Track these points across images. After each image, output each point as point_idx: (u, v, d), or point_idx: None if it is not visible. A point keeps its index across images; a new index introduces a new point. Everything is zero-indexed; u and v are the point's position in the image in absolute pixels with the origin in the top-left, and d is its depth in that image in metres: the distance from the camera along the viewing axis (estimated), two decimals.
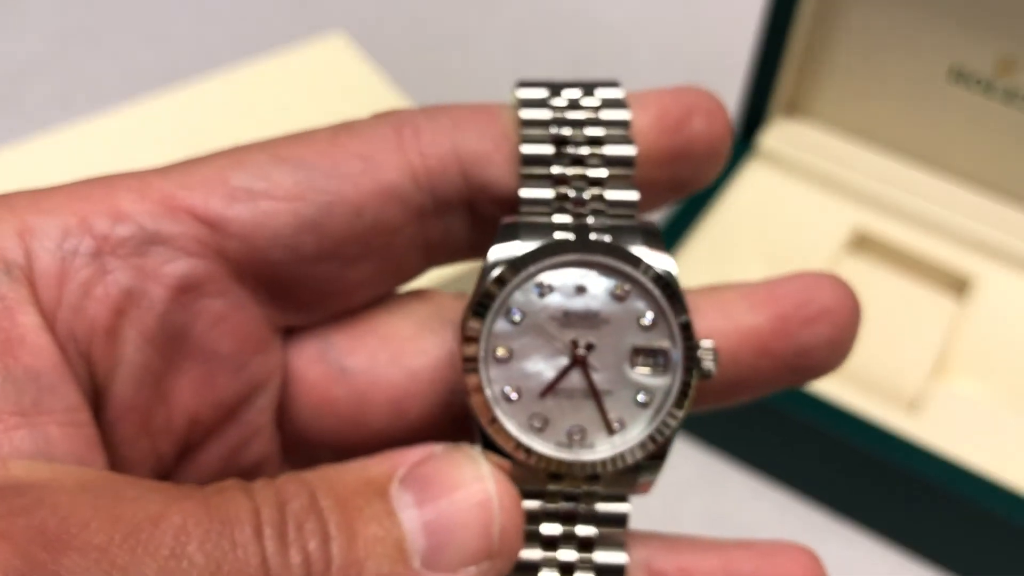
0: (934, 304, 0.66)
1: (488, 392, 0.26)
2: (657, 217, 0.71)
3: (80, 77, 0.81)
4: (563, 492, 0.26)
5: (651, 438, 0.26)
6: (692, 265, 0.65)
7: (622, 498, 0.27)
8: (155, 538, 0.20)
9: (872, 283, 0.67)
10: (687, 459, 0.63)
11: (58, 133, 0.57)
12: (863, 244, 0.68)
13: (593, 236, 0.26)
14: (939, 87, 0.65)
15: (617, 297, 0.26)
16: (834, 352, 0.28)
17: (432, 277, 0.30)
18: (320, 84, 0.62)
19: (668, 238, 0.65)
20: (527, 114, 0.27)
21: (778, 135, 0.71)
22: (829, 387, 0.58)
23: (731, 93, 0.74)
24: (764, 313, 0.27)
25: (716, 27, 0.89)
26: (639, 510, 0.60)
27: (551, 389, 0.26)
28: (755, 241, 0.67)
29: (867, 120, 0.70)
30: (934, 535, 0.58)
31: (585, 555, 0.26)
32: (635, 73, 0.86)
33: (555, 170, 0.27)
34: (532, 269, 0.26)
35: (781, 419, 0.57)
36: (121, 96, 0.75)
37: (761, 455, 0.62)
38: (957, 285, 0.66)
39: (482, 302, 0.26)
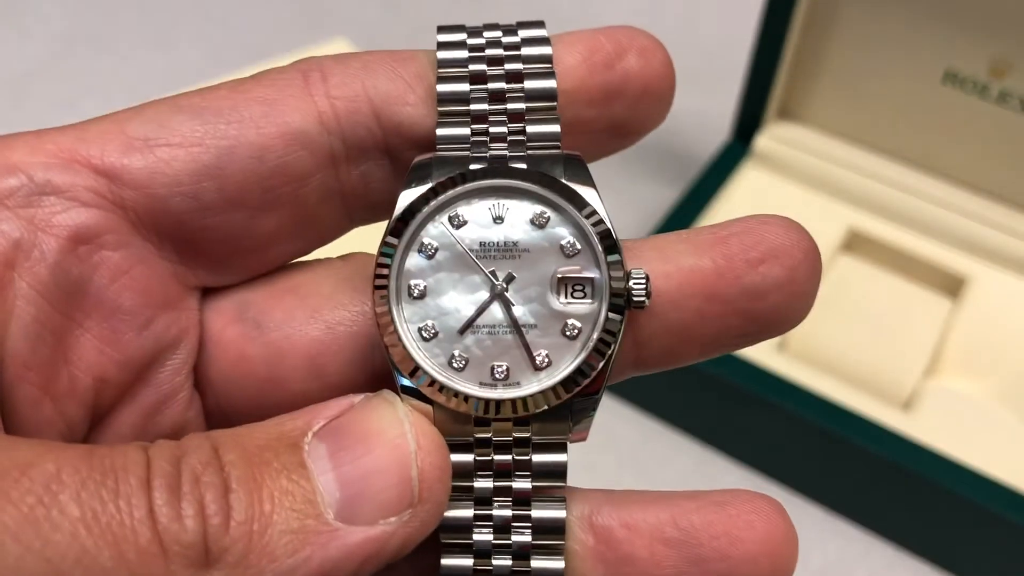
0: (928, 304, 0.66)
1: (403, 332, 0.24)
2: (654, 211, 0.72)
3: (86, 81, 0.82)
4: (495, 443, 0.25)
5: (580, 371, 0.24)
6: None
7: (560, 448, 0.25)
8: (20, 484, 0.18)
9: (867, 283, 0.67)
10: (683, 454, 0.64)
11: None
12: (858, 245, 0.69)
13: (512, 166, 0.25)
14: (933, 90, 0.66)
15: (537, 225, 0.25)
16: (791, 295, 0.25)
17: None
18: None
19: None
20: (444, 54, 0.26)
21: (774, 137, 0.72)
22: (825, 384, 0.58)
23: (728, 96, 0.75)
24: (708, 254, 0.25)
25: (712, 31, 0.90)
26: None
27: (470, 326, 0.25)
28: None
29: (862, 122, 0.70)
30: (928, 531, 0.59)
31: (521, 511, 0.25)
32: None
33: (473, 107, 0.25)
34: (443, 198, 0.25)
35: (777, 415, 0.58)
36: (127, 100, 0.75)
37: (757, 451, 0.63)
38: (951, 285, 0.67)
39: (391, 236, 0.25)
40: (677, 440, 0.64)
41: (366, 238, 0.28)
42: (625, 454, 0.64)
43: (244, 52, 0.86)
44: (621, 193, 0.76)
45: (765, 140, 0.71)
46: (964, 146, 0.68)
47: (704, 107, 0.79)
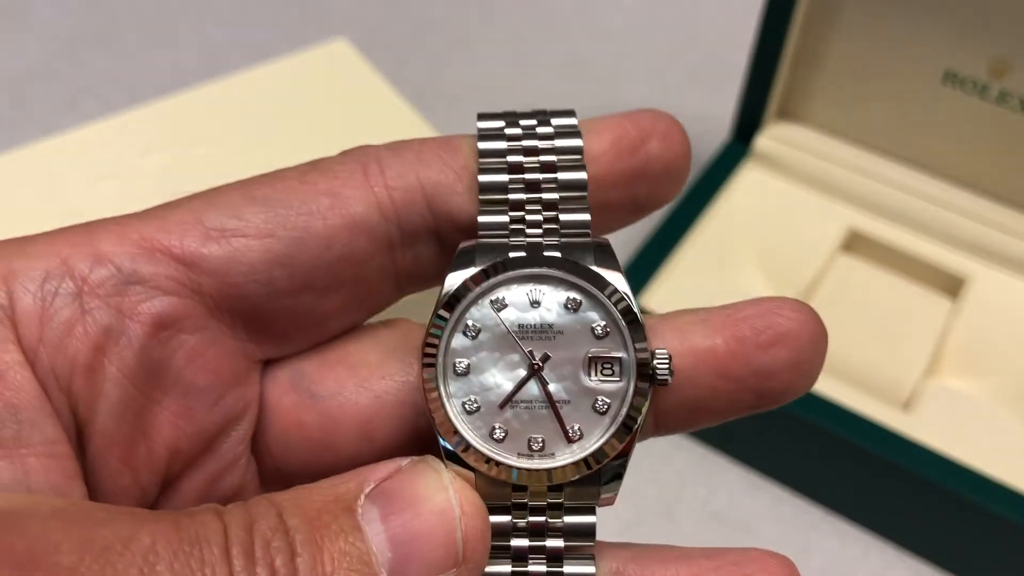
0: (928, 303, 0.66)
1: (448, 406, 0.26)
2: (647, 223, 0.72)
3: (88, 80, 0.82)
4: (530, 506, 0.27)
5: (609, 444, 0.27)
6: (689, 265, 0.66)
7: (589, 511, 0.27)
8: (124, 558, 0.20)
9: (866, 283, 0.68)
10: (684, 453, 0.64)
11: (66, 136, 0.58)
12: (858, 245, 0.69)
13: (547, 253, 0.27)
14: (933, 90, 0.66)
15: (570, 309, 0.27)
16: (798, 375, 0.27)
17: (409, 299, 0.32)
18: (323, 88, 0.63)
19: (666, 239, 0.66)
20: (485, 145, 0.28)
21: (774, 138, 0.72)
22: (825, 385, 0.59)
23: (728, 96, 0.75)
24: (721, 335, 0.27)
25: (713, 31, 0.90)
26: (637, 506, 0.61)
27: (510, 400, 0.27)
28: (751, 242, 0.68)
29: (862, 122, 0.71)
30: (928, 531, 0.59)
31: (555, 568, 0.27)
32: (633, 77, 0.87)
33: (511, 196, 0.28)
34: (486, 285, 0.27)
35: (777, 416, 0.58)
36: (128, 99, 0.76)
37: (757, 450, 0.63)
38: (951, 285, 0.67)
39: (439, 318, 0.27)
40: (677, 440, 0.64)
41: (406, 300, 0.31)
42: None
43: (244, 52, 0.86)
44: None
45: (765, 140, 0.72)
46: (964, 146, 0.68)
47: (704, 107, 0.79)
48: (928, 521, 0.58)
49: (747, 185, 0.71)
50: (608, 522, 0.68)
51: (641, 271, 0.64)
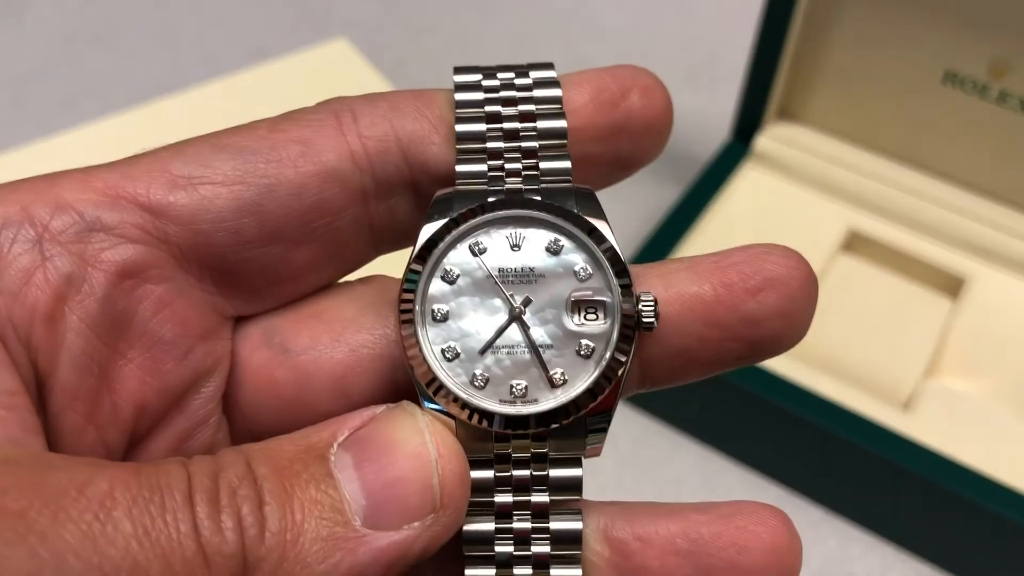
0: (928, 303, 0.66)
1: (427, 352, 0.26)
2: (651, 215, 0.72)
3: (86, 81, 0.82)
4: (514, 459, 0.26)
5: (594, 388, 0.26)
6: None
7: (575, 463, 0.26)
8: (79, 503, 0.19)
9: (866, 283, 0.68)
10: (685, 454, 0.64)
11: (65, 136, 0.58)
12: (858, 245, 0.69)
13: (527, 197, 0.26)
14: (933, 90, 0.66)
15: (552, 251, 0.26)
16: (787, 323, 0.26)
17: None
18: (323, 88, 0.63)
19: (666, 240, 0.66)
20: (461, 96, 0.28)
21: (774, 137, 0.72)
22: (825, 385, 0.59)
23: (728, 96, 0.75)
24: (708, 282, 0.27)
25: (713, 31, 0.90)
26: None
27: (490, 346, 0.26)
28: (751, 242, 0.68)
29: (862, 122, 0.71)
30: (928, 531, 0.59)
31: (540, 523, 0.26)
32: None
33: (490, 145, 0.27)
34: (465, 228, 0.26)
35: (777, 416, 0.58)
36: (128, 99, 0.76)
37: (757, 450, 0.63)
38: (951, 285, 0.67)
39: (416, 263, 0.26)
40: (677, 440, 0.64)
41: (384, 260, 0.30)
42: (625, 454, 0.64)
43: (244, 52, 0.86)
44: (621, 193, 0.75)
45: (765, 140, 0.72)
46: (964, 146, 0.68)
47: (704, 107, 0.79)
48: (928, 521, 0.58)
49: (747, 185, 0.71)
50: None
51: None
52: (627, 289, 0.26)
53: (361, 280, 0.30)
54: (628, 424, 0.65)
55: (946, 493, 0.55)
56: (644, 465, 0.63)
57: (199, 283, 0.27)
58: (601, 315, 0.26)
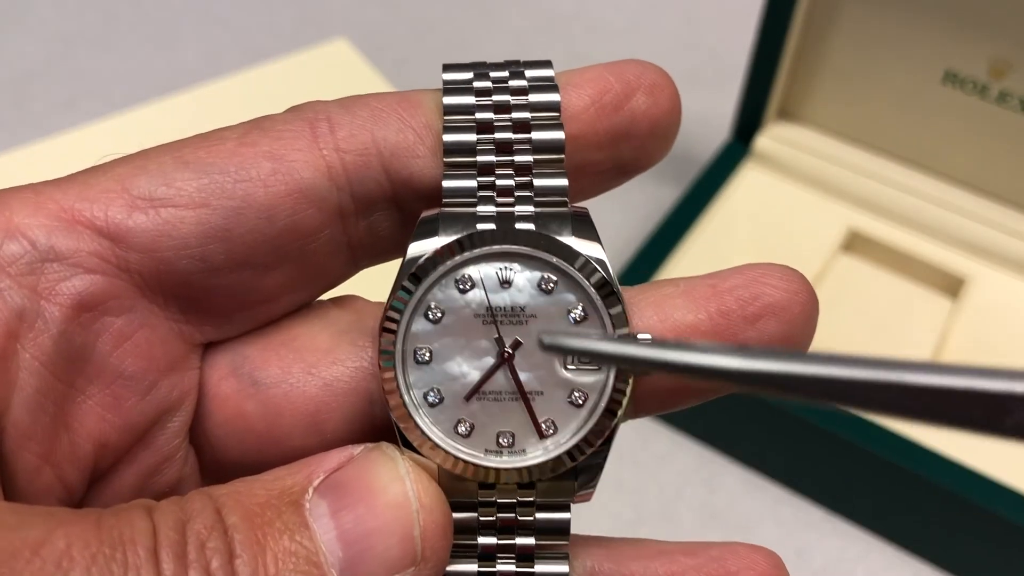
0: (928, 304, 0.66)
1: (407, 397, 0.24)
2: (645, 210, 0.72)
3: (86, 81, 0.82)
4: (498, 503, 0.24)
5: (586, 441, 0.24)
6: (689, 266, 0.66)
7: (563, 507, 0.25)
8: (33, 565, 0.18)
9: (867, 283, 0.68)
10: (684, 453, 0.64)
11: (64, 136, 0.58)
12: (858, 245, 0.69)
13: (519, 226, 0.24)
14: (933, 90, 0.66)
15: (544, 290, 0.24)
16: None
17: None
18: (323, 88, 0.63)
19: (665, 240, 0.66)
20: (450, 100, 0.25)
21: (774, 137, 0.72)
22: None
23: (728, 96, 0.75)
24: (704, 310, 0.25)
25: (713, 31, 0.90)
26: (636, 506, 0.60)
27: (476, 391, 0.24)
28: (751, 242, 0.68)
29: (862, 122, 0.71)
30: (928, 531, 0.59)
31: (525, 568, 0.25)
32: None
33: (480, 159, 0.25)
34: (451, 263, 0.24)
35: (777, 416, 0.58)
36: (127, 100, 0.76)
37: (757, 450, 0.63)
38: (951, 285, 0.67)
39: (398, 301, 0.24)
40: (677, 440, 0.64)
41: (361, 274, 0.28)
42: (625, 454, 0.64)
43: (244, 52, 0.86)
44: (621, 193, 0.75)
45: (765, 140, 0.72)
46: (964, 146, 0.68)
47: (704, 107, 0.79)
48: (928, 521, 0.58)
49: (747, 185, 0.71)
50: (608, 522, 0.68)
51: (641, 271, 0.64)
52: (624, 335, 0.24)
53: (335, 301, 0.27)
54: (628, 424, 0.65)
55: (946, 493, 0.55)
56: (644, 465, 0.63)
57: (163, 311, 0.25)
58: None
